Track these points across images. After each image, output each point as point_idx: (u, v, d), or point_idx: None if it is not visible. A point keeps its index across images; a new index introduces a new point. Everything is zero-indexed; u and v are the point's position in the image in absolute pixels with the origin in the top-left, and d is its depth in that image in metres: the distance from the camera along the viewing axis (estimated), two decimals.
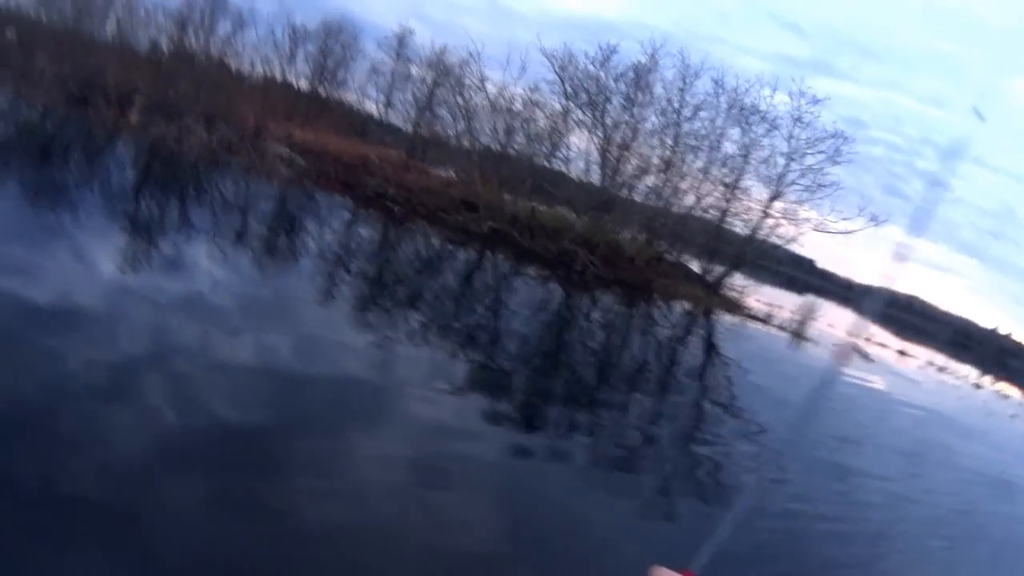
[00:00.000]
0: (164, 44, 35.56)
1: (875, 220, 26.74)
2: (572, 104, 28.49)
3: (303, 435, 5.94)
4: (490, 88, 30.17)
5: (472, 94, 30.37)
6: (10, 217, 10.30)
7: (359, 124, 36.94)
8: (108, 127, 23.93)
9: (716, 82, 27.01)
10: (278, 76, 37.96)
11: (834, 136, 25.87)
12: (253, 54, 36.97)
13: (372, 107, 38.52)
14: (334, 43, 38.31)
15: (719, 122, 27.35)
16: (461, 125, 30.52)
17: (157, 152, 22.30)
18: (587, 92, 28.17)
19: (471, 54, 30.58)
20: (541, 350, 12.51)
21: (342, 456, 5.78)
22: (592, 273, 22.32)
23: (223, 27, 36.20)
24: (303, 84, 38.70)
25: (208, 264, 10.52)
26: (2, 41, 33.38)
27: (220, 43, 35.91)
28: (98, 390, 5.55)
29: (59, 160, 17.55)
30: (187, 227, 13.18)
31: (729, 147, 27.58)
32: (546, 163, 29.26)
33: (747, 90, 26.78)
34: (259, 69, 37.16)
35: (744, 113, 26.77)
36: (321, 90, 38.41)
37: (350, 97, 39.07)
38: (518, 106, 29.28)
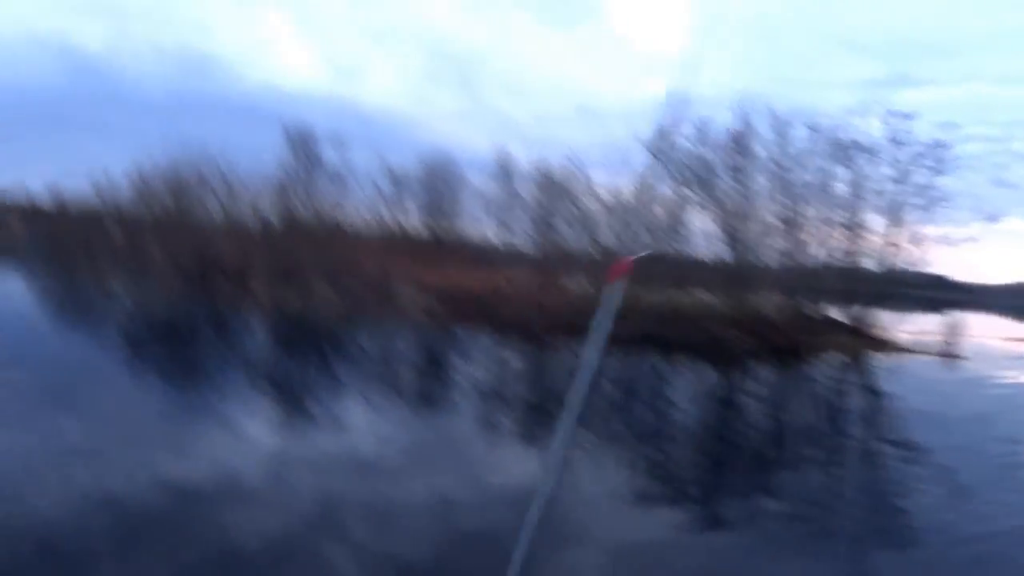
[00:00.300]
0: (270, 213, 38.80)
1: (992, 218, 27.89)
2: (681, 187, 30.45)
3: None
4: (600, 190, 32.11)
5: (584, 201, 32.25)
6: (160, 401, 11.73)
7: (480, 254, 38.77)
8: (232, 303, 26.07)
9: (811, 127, 28.07)
10: (390, 222, 41.23)
11: (934, 146, 26.78)
12: (360, 206, 39.88)
13: (489, 234, 40.80)
14: (438, 180, 40.81)
15: (823, 165, 28.85)
16: (581, 234, 32.24)
17: (287, 319, 24.34)
18: (693, 171, 30.03)
19: (572, 162, 32.70)
20: (712, 434, 13.66)
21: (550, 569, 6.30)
22: (741, 348, 23.22)
23: (324, 185, 39.52)
24: (416, 225, 41.84)
25: (366, 418, 11.60)
26: (108, 234, 36.99)
27: (325, 201, 39.01)
28: (288, 560, 6.11)
29: (193, 341, 19.51)
30: (335, 386, 14.59)
31: (839, 187, 28.93)
32: (672, 250, 30.64)
33: (841, 126, 28.17)
34: (370, 219, 40.01)
35: (844, 149, 28.08)
36: (435, 228, 41.06)
37: (465, 229, 41.71)
38: (631, 202, 30.88)
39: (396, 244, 36.77)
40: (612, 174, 34.85)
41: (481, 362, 19.82)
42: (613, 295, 2.10)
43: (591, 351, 1.96)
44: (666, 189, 30.54)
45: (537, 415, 13.77)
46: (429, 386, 15.86)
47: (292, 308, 25.57)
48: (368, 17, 68.31)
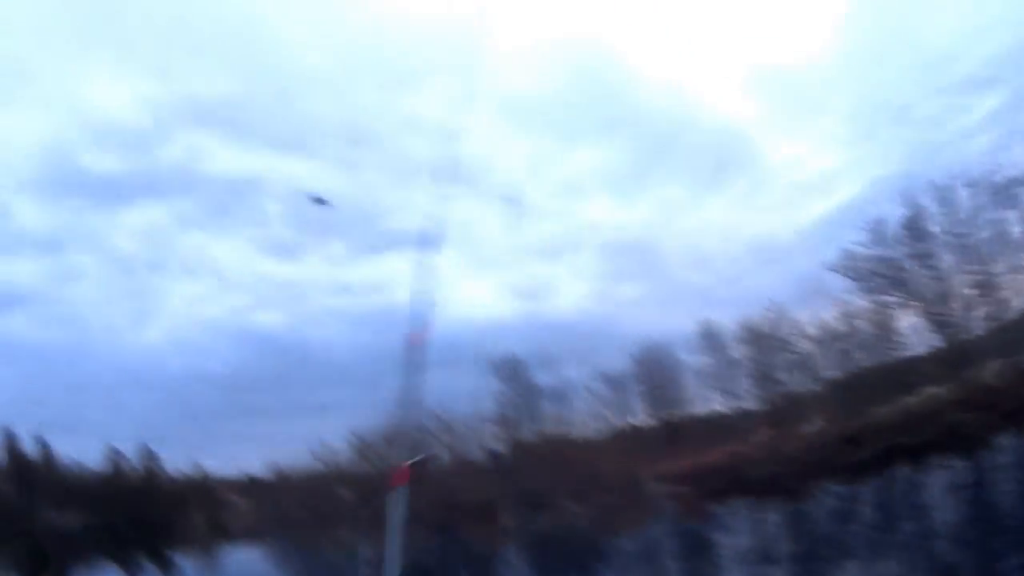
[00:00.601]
0: (498, 444, 41.89)
1: None
2: (878, 295, 31.62)
3: None
4: (804, 325, 33.40)
5: (793, 341, 33.52)
6: None
7: (712, 424, 39.29)
8: (482, 540, 27.93)
9: (969, 184, 28.80)
10: (616, 422, 43.08)
11: None
12: (583, 415, 42.14)
13: (715, 403, 41.49)
14: (651, 368, 42.76)
15: (993, 215, 29.08)
16: (800, 373, 33.39)
17: (544, 543, 26.08)
18: (882, 275, 31.10)
19: (770, 308, 35.03)
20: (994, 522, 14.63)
21: None
22: (978, 427, 23.34)
23: (544, 404, 42.52)
24: (643, 417, 43.40)
25: None
26: (336, 496, 39.79)
27: (549, 419, 42.01)
28: None
29: None
30: None
31: (1015, 229, 29.03)
32: (891, 357, 31.73)
33: (992, 169, 28.71)
34: (596, 425, 42.46)
35: (1005, 189, 28.37)
36: (662, 414, 42.51)
37: (691, 405, 42.45)
38: (836, 326, 32.12)
39: (628, 441, 38.22)
40: (808, 305, 35.34)
41: (748, 533, 20.85)
42: (399, 500, 2.40)
43: (390, 551, 2.19)
44: (862, 301, 31.76)
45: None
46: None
47: (543, 531, 27.01)
48: (536, 234, 72.29)
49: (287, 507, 48.09)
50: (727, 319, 40.57)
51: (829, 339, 33.04)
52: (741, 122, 71.78)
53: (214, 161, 78.52)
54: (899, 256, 30.59)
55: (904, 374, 29.73)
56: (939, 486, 19.28)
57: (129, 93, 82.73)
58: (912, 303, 30.58)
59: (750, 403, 37.96)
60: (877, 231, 30.73)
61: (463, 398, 41.48)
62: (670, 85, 79.71)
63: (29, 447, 55.63)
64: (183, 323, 75.66)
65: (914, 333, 31.32)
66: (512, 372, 42.39)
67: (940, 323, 29.72)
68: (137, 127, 77.54)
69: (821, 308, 33.41)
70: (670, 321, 49.61)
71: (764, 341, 36.30)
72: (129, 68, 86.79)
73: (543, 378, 42.38)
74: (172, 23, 74.63)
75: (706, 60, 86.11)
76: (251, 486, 61.30)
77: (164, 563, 39.52)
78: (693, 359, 41.17)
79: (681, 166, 74.05)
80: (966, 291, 29.62)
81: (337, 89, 78.89)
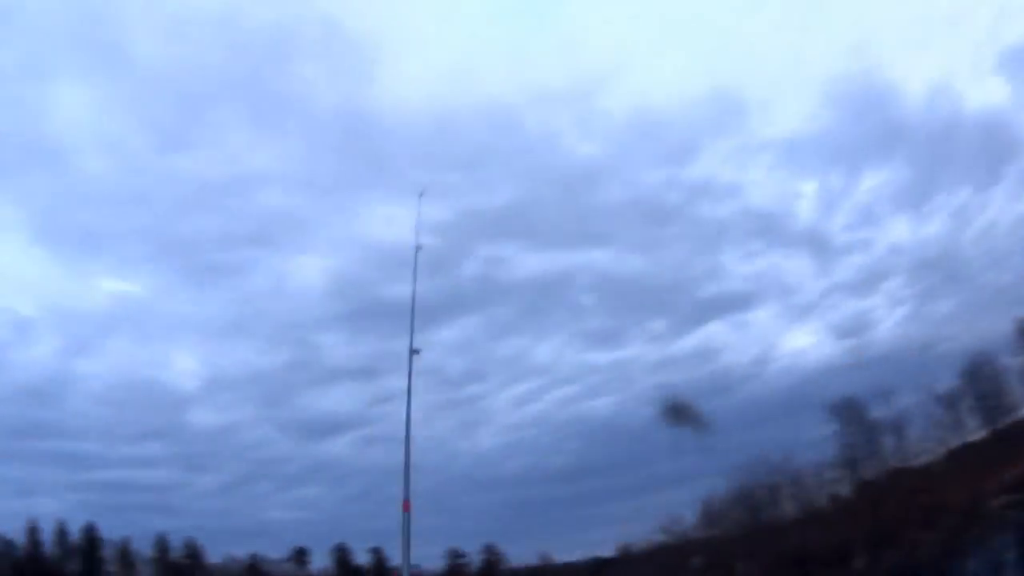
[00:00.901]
0: (842, 487, 43.84)
1: None
2: None
3: None
4: None
5: None
6: None
7: None
8: None
9: None
10: (954, 441, 43.24)
11: None
12: (921, 442, 42.59)
13: None
14: (981, 381, 43.11)
15: None
16: None
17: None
18: None
19: None
20: None
21: None
22: None
23: (881, 438, 43.71)
24: (978, 430, 43.39)
25: None
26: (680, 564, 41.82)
27: (891, 452, 43.19)
28: None
29: None
30: None
31: None
32: None
33: None
34: (935, 449, 42.35)
35: None
36: (995, 423, 42.48)
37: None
38: None
39: (965, 458, 38.28)
40: None
41: None
42: None
43: None
44: None
45: None
46: None
47: (895, 566, 28.23)
48: (844, 270, 71.08)
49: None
50: None
51: None
52: (996, 106, 69.16)
53: (516, 267, 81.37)
54: None
55: None
56: None
57: (412, 219, 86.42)
58: None
59: None
60: None
61: (804, 446, 43.22)
62: (928, 87, 77.93)
63: (362, 559, 61.84)
64: (513, 424, 78.91)
65: None
66: (848, 412, 43.71)
67: None
68: (428, 249, 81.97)
69: None
70: (988, 327, 49.02)
71: None
72: (403, 195, 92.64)
73: (878, 412, 43.51)
74: (430, 144, 79.57)
75: (948, 52, 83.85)
76: (600, 567, 64.37)
77: None
78: (1016, 361, 40.61)
79: (959, 166, 71.89)
80: None
81: (618, 173, 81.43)
